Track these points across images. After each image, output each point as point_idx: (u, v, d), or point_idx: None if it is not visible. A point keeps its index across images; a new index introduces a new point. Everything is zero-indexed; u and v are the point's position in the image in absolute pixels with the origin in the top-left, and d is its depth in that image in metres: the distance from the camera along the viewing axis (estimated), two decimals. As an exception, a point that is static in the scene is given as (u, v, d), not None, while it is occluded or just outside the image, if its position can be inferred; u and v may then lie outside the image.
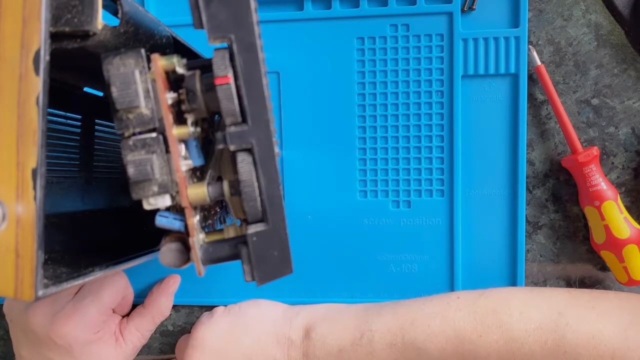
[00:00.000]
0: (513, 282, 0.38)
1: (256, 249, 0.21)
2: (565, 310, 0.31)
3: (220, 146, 0.21)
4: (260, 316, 0.36)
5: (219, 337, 0.35)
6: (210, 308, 0.38)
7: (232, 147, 0.21)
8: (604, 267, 0.38)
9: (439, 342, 0.32)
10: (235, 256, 0.22)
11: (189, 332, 0.37)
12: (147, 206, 0.21)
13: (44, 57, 0.18)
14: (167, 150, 0.21)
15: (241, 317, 0.36)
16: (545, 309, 0.31)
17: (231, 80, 0.20)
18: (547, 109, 0.37)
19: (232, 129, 0.21)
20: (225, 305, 0.38)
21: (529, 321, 0.31)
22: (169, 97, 0.21)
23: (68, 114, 0.31)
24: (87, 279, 0.21)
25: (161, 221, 0.22)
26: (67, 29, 0.20)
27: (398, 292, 0.38)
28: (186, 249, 0.22)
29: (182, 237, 0.22)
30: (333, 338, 0.34)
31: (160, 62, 0.21)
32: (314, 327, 0.34)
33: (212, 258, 0.22)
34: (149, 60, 0.21)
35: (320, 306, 0.37)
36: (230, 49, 0.20)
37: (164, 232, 0.23)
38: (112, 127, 0.35)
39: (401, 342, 0.32)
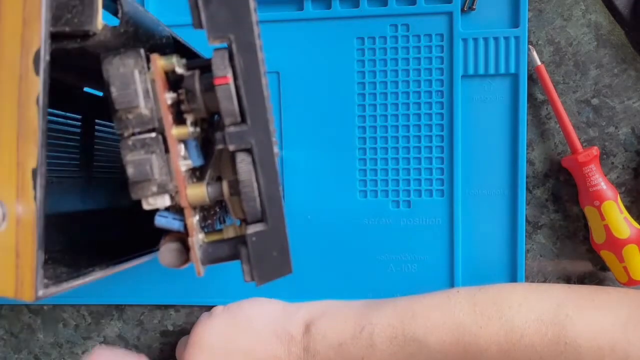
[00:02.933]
0: (513, 282, 0.37)
1: (255, 249, 0.21)
2: (565, 303, 0.31)
3: (220, 146, 0.21)
4: (259, 313, 0.36)
5: (219, 335, 0.35)
6: (210, 308, 0.38)
7: (231, 147, 0.21)
8: (603, 267, 0.38)
9: (440, 334, 0.32)
10: (234, 256, 0.22)
11: (189, 332, 0.37)
12: (146, 206, 0.21)
13: (44, 57, 0.18)
14: (167, 150, 0.21)
15: (240, 314, 0.36)
16: (545, 301, 0.31)
17: (230, 80, 0.20)
18: (547, 109, 0.37)
19: (232, 129, 0.21)
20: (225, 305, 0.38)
21: (529, 313, 0.31)
22: (169, 97, 0.21)
23: (68, 114, 0.31)
24: (87, 279, 0.21)
25: (160, 221, 0.22)
26: (67, 29, 0.20)
27: (398, 292, 0.38)
28: (185, 248, 0.22)
29: (182, 237, 0.22)
30: (333, 332, 0.34)
31: (160, 62, 0.21)
32: (314, 322, 0.35)
33: (212, 258, 0.22)
34: (148, 60, 0.21)
35: (320, 302, 0.37)
36: (229, 49, 0.20)
37: (164, 232, 0.23)
38: (112, 127, 0.35)
39: (402, 335, 0.32)
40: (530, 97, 0.37)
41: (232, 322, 0.35)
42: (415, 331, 0.32)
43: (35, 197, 0.18)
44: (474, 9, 0.36)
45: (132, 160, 0.20)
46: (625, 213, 0.35)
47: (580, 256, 0.38)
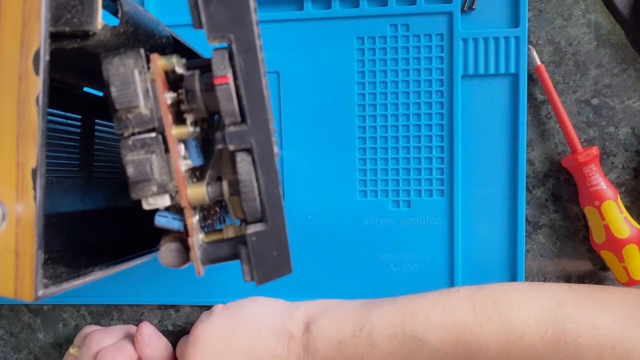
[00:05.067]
0: (513, 281, 0.37)
1: (255, 249, 0.21)
2: (565, 302, 0.31)
3: (220, 146, 0.21)
4: (259, 312, 0.36)
5: (219, 334, 0.35)
6: (209, 308, 0.38)
7: (231, 147, 0.21)
8: (604, 267, 0.38)
9: (440, 333, 0.32)
10: (234, 256, 0.22)
11: (189, 332, 0.37)
12: (146, 206, 0.21)
13: (44, 57, 0.18)
14: (167, 150, 0.21)
15: (240, 313, 0.36)
16: (545, 300, 0.31)
17: (230, 80, 0.20)
18: (547, 108, 0.37)
19: (232, 128, 0.21)
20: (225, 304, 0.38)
21: (529, 312, 0.31)
22: (169, 97, 0.21)
23: (68, 114, 0.31)
24: (87, 279, 0.21)
25: (160, 221, 0.22)
26: (67, 29, 0.20)
27: (398, 292, 0.38)
28: (185, 248, 0.22)
29: (182, 237, 0.22)
30: (333, 330, 0.34)
31: (160, 62, 0.21)
32: (314, 320, 0.35)
33: (212, 258, 0.22)
34: (148, 60, 0.21)
35: (320, 301, 0.37)
36: (229, 48, 0.20)
37: (164, 232, 0.23)
38: (112, 127, 0.35)
39: (402, 333, 0.32)
40: (530, 97, 0.37)
41: (232, 321, 0.35)
42: (415, 330, 0.32)
43: (35, 197, 0.18)
44: (474, 9, 0.36)
45: (132, 160, 0.20)
46: (625, 213, 0.35)
47: (580, 256, 0.38)
